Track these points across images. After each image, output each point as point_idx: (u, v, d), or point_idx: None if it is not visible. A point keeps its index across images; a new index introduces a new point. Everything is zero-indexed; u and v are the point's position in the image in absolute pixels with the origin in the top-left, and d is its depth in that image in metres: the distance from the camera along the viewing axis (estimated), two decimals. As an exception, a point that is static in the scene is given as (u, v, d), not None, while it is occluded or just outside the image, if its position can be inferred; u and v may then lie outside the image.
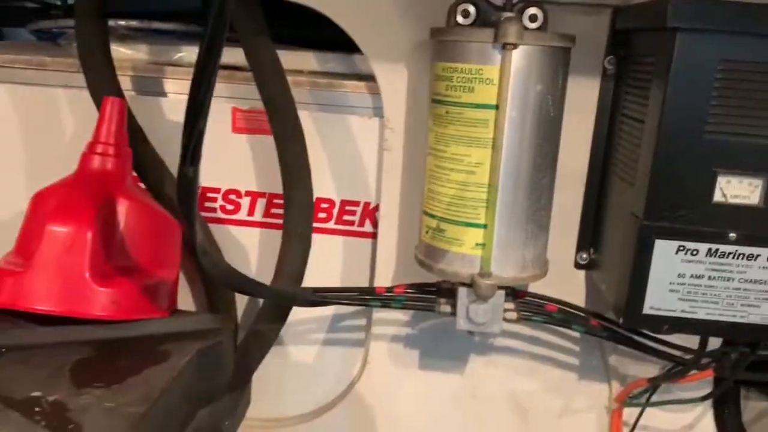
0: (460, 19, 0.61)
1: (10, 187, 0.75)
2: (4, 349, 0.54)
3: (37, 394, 0.48)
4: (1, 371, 0.51)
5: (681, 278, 0.55)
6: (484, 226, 0.57)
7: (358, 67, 0.75)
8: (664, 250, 0.55)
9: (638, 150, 0.57)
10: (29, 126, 0.74)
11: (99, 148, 0.62)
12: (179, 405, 0.53)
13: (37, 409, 0.47)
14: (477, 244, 0.58)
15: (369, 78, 0.72)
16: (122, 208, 0.61)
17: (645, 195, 0.54)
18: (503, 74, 0.54)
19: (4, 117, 0.73)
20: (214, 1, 0.37)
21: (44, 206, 0.61)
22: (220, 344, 0.59)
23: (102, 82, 0.66)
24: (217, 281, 0.55)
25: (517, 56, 0.54)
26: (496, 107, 0.55)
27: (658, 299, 0.56)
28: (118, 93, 0.66)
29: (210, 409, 0.58)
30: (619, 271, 0.59)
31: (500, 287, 0.59)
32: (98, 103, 0.65)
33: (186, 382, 0.54)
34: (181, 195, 0.45)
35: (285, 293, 0.63)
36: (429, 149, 0.61)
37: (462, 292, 0.60)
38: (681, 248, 0.55)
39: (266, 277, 0.68)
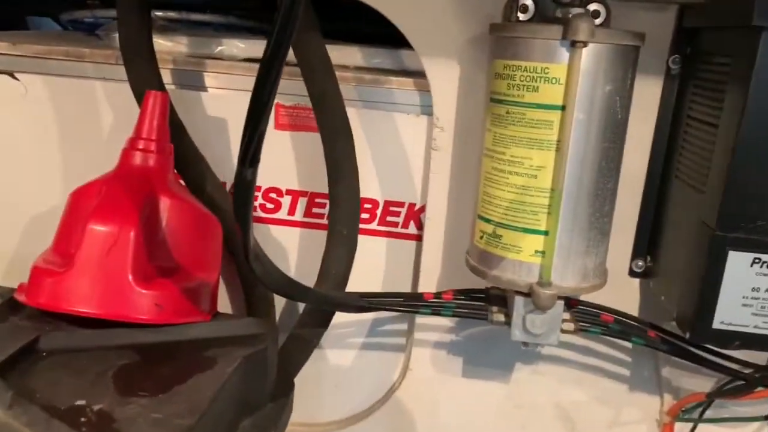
0: (519, 15, 0.59)
1: (45, 181, 0.73)
2: (45, 353, 0.52)
3: (81, 402, 0.46)
4: (43, 376, 0.49)
5: (755, 292, 0.52)
6: (545, 233, 0.55)
7: (404, 63, 0.72)
8: (737, 262, 0.52)
9: (710, 155, 0.54)
10: (65, 119, 0.72)
11: (140, 144, 0.60)
12: (225, 415, 0.51)
13: (82, 419, 0.45)
14: (536, 252, 0.55)
15: (417, 74, 0.70)
16: (164, 207, 0.59)
17: (718, 204, 0.51)
18: (572, 73, 0.51)
19: (41, 109, 0.71)
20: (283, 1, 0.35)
21: (84, 204, 0.59)
22: (265, 351, 0.57)
23: (144, 75, 0.63)
24: (268, 287, 0.53)
25: (586, 55, 0.51)
26: (563, 108, 0.52)
27: (729, 314, 0.53)
28: (160, 86, 0.64)
29: (254, 419, 0.55)
30: (686, 282, 0.56)
31: (559, 297, 0.56)
32: (139, 96, 0.63)
33: (232, 391, 0.52)
34: (237, 197, 0.43)
35: (334, 299, 0.61)
36: (485, 150, 0.58)
37: (518, 301, 0.57)
38: (756, 260, 0.52)
39: (305, 277, 0.65)
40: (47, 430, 0.43)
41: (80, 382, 0.49)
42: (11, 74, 0.71)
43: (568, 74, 0.51)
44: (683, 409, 0.69)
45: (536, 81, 0.53)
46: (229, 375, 0.51)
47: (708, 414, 0.69)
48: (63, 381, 0.49)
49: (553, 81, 0.52)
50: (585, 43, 0.50)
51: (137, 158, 0.60)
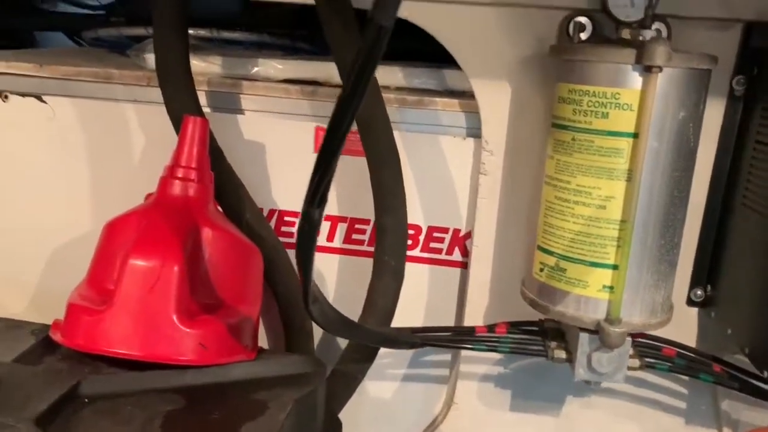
0: (581, 35, 0.56)
1: (73, 209, 0.70)
2: (86, 399, 0.49)
3: (130, 456, 0.43)
4: (87, 426, 0.46)
5: (839, 328, 0.49)
6: (614, 267, 0.52)
7: (448, 83, 0.69)
8: (819, 295, 0.49)
9: (786, 183, 0.51)
10: (95, 143, 0.69)
11: (180, 173, 0.57)
12: (280, 465, 0.48)
13: (134, 476, 0.42)
14: (604, 287, 0.52)
15: (461, 94, 0.67)
16: (206, 238, 0.56)
17: (797, 233, 0.48)
18: (646, 99, 0.48)
19: (69, 133, 0.69)
20: (365, 36, 0.32)
21: (122, 236, 0.56)
22: (315, 392, 0.54)
23: (182, 99, 0.60)
24: (325, 329, 0.50)
25: (660, 79, 0.48)
26: (635, 135, 0.49)
27: (810, 350, 0.50)
28: (198, 111, 0.61)
29: (305, 464, 0.52)
30: (756, 314, 0.53)
31: (629, 334, 0.53)
32: (177, 121, 0.60)
33: (286, 439, 0.49)
34: (301, 238, 0.40)
35: (388, 336, 0.58)
36: (547, 179, 0.55)
37: (584, 338, 0.54)
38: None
39: (345, 305, 0.62)
40: (99, 492, 0.40)
41: (127, 432, 0.46)
42: (38, 97, 0.68)
43: (641, 100, 0.49)
44: (743, 443, 0.66)
45: (606, 107, 0.50)
46: (282, 422, 0.48)
47: (769, 448, 0.66)
48: (109, 431, 0.46)
49: (625, 107, 0.49)
50: (660, 68, 0.48)
51: (177, 188, 0.57)
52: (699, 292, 0.64)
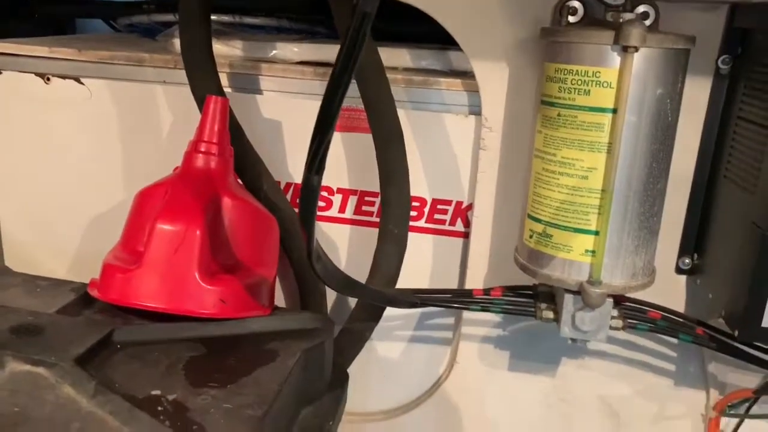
0: (569, 18, 0.60)
1: (107, 181, 0.77)
2: (119, 345, 0.55)
3: (156, 392, 0.50)
4: (120, 368, 0.52)
5: (806, 292, 0.53)
6: (596, 233, 0.56)
7: (452, 63, 0.74)
8: (788, 262, 0.52)
9: (761, 157, 0.54)
10: (127, 121, 0.75)
11: (203, 147, 0.63)
12: (289, 405, 0.54)
13: (159, 408, 0.48)
14: (587, 251, 0.57)
15: (464, 74, 0.71)
16: (226, 207, 0.62)
17: (770, 204, 0.52)
18: (623, 77, 0.52)
19: (104, 112, 0.75)
20: (353, 20, 0.37)
21: (151, 204, 0.62)
22: (323, 345, 0.60)
23: (205, 80, 0.66)
24: (328, 285, 0.55)
25: (637, 59, 0.52)
26: (614, 111, 0.53)
27: (778, 313, 0.54)
28: (220, 91, 0.67)
29: (313, 409, 0.58)
30: (735, 281, 0.57)
31: (609, 295, 0.57)
32: (200, 101, 0.66)
33: (294, 383, 0.54)
34: (303, 202, 0.45)
35: (388, 296, 0.63)
36: (536, 152, 0.59)
37: (568, 299, 0.59)
38: (807, 261, 0.52)
39: (354, 271, 0.67)
40: (130, 419, 0.46)
41: (154, 373, 0.52)
42: (77, 79, 0.75)
43: (619, 78, 0.53)
44: (729, 404, 0.70)
45: (588, 84, 0.54)
46: (291, 368, 0.54)
47: (754, 410, 0.70)
48: (138, 372, 0.52)
49: (605, 85, 0.53)
50: (636, 48, 0.51)
51: (200, 161, 0.63)
52: (687, 261, 0.68)
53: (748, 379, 0.70)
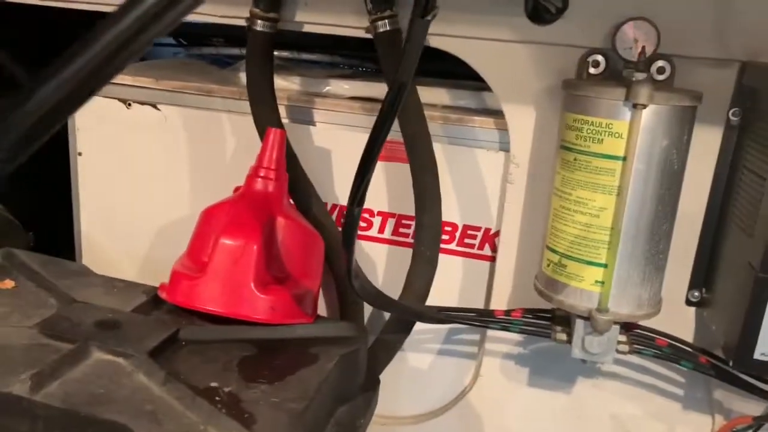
0: (591, 69, 0.67)
1: (175, 196, 0.87)
2: (184, 342, 0.64)
3: (215, 384, 0.58)
4: (185, 362, 0.61)
5: (794, 329, 0.58)
6: (605, 266, 0.63)
7: (486, 103, 0.81)
8: (779, 301, 0.58)
9: (758, 204, 0.60)
10: (196, 144, 0.85)
11: (262, 172, 0.72)
12: (326, 402, 0.62)
13: (217, 398, 0.56)
14: (596, 281, 0.63)
15: (496, 113, 0.78)
16: (279, 225, 0.71)
17: (763, 248, 0.58)
18: (632, 130, 0.59)
19: (176, 136, 0.85)
20: (391, 89, 0.45)
21: (215, 220, 0.71)
22: (358, 351, 0.68)
23: (266, 113, 0.75)
24: (364, 300, 0.64)
25: (646, 114, 0.59)
26: (624, 159, 0.60)
27: (769, 346, 0.59)
28: (279, 123, 0.76)
29: (348, 408, 0.66)
30: (732, 315, 0.63)
31: (615, 322, 0.64)
32: (261, 131, 0.75)
33: (332, 383, 0.62)
34: (346, 229, 0.54)
35: (417, 311, 0.71)
36: (555, 190, 0.66)
37: (579, 324, 0.65)
38: (796, 301, 0.58)
39: (390, 287, 0.75)
40: (193, 405, 0.55)
41: (212, 368, 0.61)
42: (154, 105, 0.85)
43: (629, 130, 0.59)
44: (733, 429, 0.75)
45: (601, 134, 0.61)
46: (329, 370, 0.62)
47: (757, 436, 0.75)
48: (199, 366, 0.61)
49: (616, 135, 0.60)
50: (645, 105, 0.58)
51: (259, 184, 0.72)
52: (696, 294, 0.73)
53: (751, 407, 0.75)
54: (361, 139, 0.79)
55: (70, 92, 0.25)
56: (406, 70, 0.43)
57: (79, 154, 0.89)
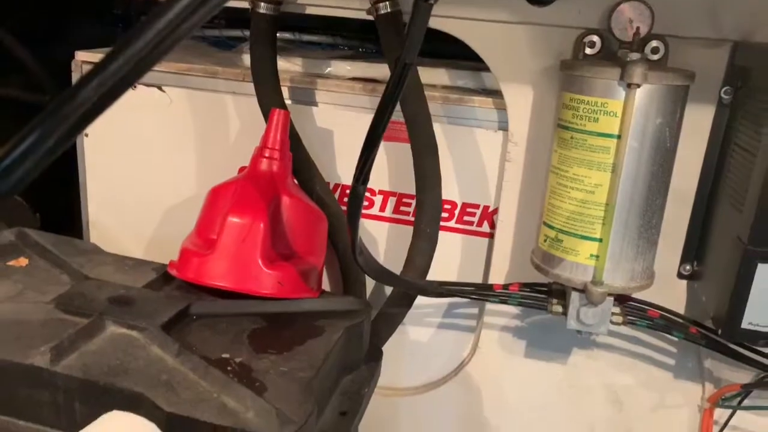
0: (587, 50, 0.69)
1: (182, 177, 0.89)
2: (195, 317, 0.67)
3: (226, 355, 0.61)
4: (196, 334, 0.64)
5: (780, 299, 0.61)
6: (599, 240, 0.65)
7: (485, 83, 0.83)
8: (765, 273, 0.61)
9: (748, 180, 0.62)
10: (201, 126, 0.87)
11: (267, 153, 0.74)
12: (332, 372, 0.65)
13: (229, 368, 0.59)
14: (591, 255, 0.66)
15: (495, 93, 0.80)
16: (284, 204, 0.73)
17: (751, 223, 0.60)
18: (626, 109, 0.61)
19: (182, 117, 0.87)
20: (395, 68, 0.46)
21: (222, 199, 0.73)
22: (362, 324, 0.70)
23: (270, 94, 0.77)
24: (368, 274, 0.66)
25: (640, 93, 0.61)
26: (618, 137, 0.62)
27: (756, 315, 0.62)
28: (282, 105, 0.78)
29: (353, 377, 0.69)
30: (721, 287, 0.65)
31: (609, 294, 0.66)
32: (266, 112, 0.77)
33: (337, 354, 0.65)
34: (351, 206, 0.56)
35: (419, 285, 0.73)
36: (552, 168, 0.69)
37: (574, 296, 0.68)
38: (782, 272, 0.60)
39: (392, 264, 0.78)
40: (206, 375, 0.57)
41: (223, 340, 0.63)
42: (159, 87, 0.86)
43: (623, 109, 0.61)
44: (723, 397, 0.78)
45: (597, 113, 0.63)
46: (335, 341, 0.65)
47: (746, 402, 0.78)
48: (210, 339, 0.63)
49: (611, 114, 0.62)
50: (638, 85, 0.60)
51: (264, 164, 0.74)
52: (687, 267, 0.76)
53: (741, 375, 0.78)
54: (363, 119, 0.83)
55: (115, 83, 0.27)
56: (410, 51, 0.45)
57: (86, 135, 0.90)
